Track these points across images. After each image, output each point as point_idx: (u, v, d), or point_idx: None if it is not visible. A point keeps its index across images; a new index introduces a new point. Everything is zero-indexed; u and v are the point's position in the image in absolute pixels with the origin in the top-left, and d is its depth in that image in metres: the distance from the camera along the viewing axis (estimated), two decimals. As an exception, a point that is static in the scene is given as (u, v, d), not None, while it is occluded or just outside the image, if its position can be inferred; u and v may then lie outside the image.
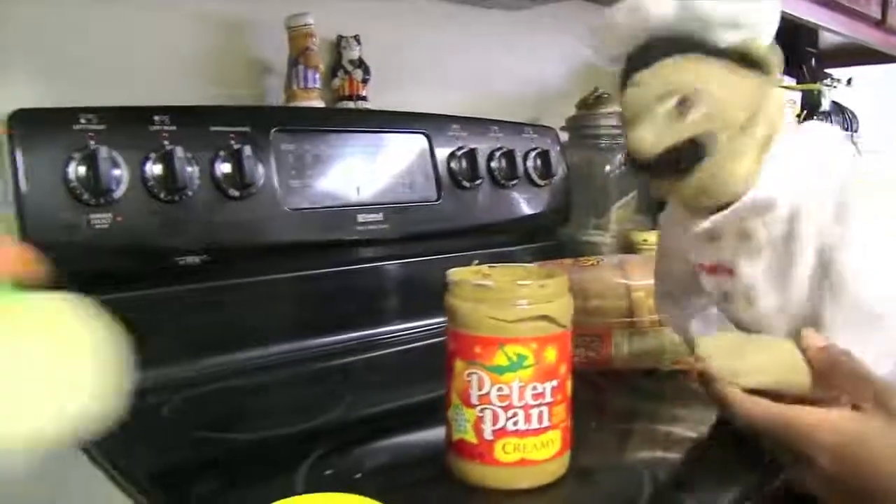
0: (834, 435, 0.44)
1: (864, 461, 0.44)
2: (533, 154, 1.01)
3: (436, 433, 0.51)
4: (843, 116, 1.84)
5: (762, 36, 0.49)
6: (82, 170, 0.64)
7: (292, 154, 0.79)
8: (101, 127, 0.66)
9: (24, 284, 0.33)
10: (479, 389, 0.46)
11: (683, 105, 0.48)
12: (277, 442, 0.57)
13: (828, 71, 1.85)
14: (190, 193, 0.70)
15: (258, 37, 0.90)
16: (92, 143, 0.65)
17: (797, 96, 1.60)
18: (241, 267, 0.76)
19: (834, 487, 0.45)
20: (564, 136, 1.14)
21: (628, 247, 1.09)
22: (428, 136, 0.91)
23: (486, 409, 0.46)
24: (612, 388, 0.70)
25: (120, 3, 0.79)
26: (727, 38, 0.48)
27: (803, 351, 0.48)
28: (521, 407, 0.46)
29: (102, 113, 0.67)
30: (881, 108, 1.98)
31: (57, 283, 0.35)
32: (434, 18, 1.09)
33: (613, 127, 1.13)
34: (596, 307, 0.72)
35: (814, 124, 0.55)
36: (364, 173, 0.84)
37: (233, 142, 0.73)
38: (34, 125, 0.64)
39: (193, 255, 0.71)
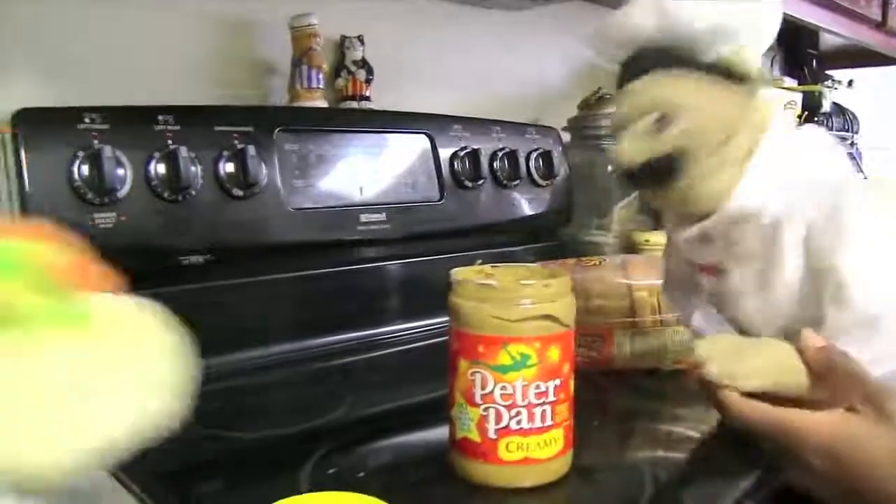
0: (827, 437, 0.45)
1: (857, 463, 0.44)
2: (535, 154, 1.01)
3: (438, 432, 0.52)
4: (843, 118, 1.84)
5: (754, 47, 0.49)
6: (86, 169, 0.64)
7: (296, 154, 0.79)
8: (105, 126, 0.66)
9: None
10: (483, 388, 0.46)
11: (662, 122, 0.49)
12: (280, 441, 0.57)
13: (829, 72, 1.85)
14: (194, 193, 0.70)
15: (262, 37, 0.90)
16: (96, 142, 0.65)
17: (798, 98, 1.60)
18: (244, 266, 0.76)
19: (832, 488, 0.45)
20: (566, 137, 1.14)
21: (630, 247, 1.10)
22: (431, 137, 0.91)
23: (489, 408, 0.46)
24: (614, 388, 0.70)
25: (121, 2, 0.79)
26: (712, 52, 0.49)
27: (802, 352, 0.49)
28: (524, 406, 0.46)
29: (106, 112, 0.67)
30: (882, 110, 1.98)
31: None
32: (435, 19, 1.09)
33: (615, 127, 1.13)
34: (598, 307, 0.73)
35: (804, 130, 0.56)
36: (367, 173, 0.85)
37: (236, 141, 0.73)
38: (38, 124, 0.64)
39: (197, 254, 0.71)
